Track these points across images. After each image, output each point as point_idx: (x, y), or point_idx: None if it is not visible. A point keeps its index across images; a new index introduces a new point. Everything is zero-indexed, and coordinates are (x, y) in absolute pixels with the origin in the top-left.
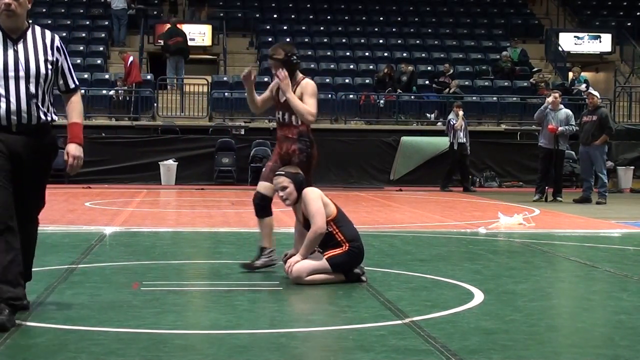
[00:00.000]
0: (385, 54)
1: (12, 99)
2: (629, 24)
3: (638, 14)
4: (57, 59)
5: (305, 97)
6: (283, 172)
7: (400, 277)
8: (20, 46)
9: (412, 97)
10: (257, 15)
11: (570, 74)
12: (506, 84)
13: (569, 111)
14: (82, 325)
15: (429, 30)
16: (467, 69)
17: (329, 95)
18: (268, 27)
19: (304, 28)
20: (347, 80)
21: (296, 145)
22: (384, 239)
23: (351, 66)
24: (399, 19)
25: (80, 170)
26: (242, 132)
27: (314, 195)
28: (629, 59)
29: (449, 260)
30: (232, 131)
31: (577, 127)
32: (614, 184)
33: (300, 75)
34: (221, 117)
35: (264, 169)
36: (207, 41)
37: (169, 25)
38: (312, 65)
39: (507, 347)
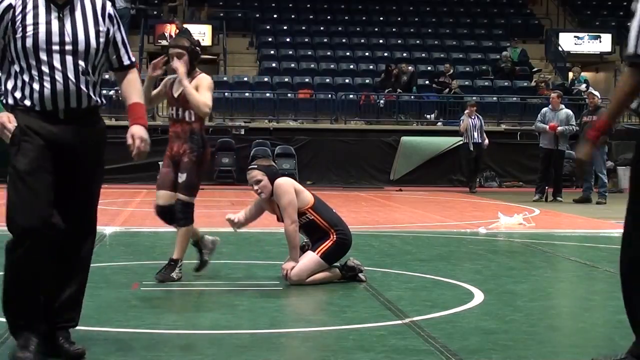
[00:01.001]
0: (385, 54)
1: (59, 77)
2: (628, 24)
3: None
4: (108, 29)
5: (201, 90)
6: (255, 166)
7: (400, 277)
8: (66, 12)
9: (412, 97)
10: (257, 15)
11: (570, 74)
12: (506, 84)
13: (569, 111)
14: (82, 325)
15: (429, 30)
16: (467, 69)
17: (329, 95)
18: (268, 27)
19: (304, 28)
20: (347, 80)
21: (187, 145)
22: (384, 239)
23: (351, 66)
24: (399, 19)
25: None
26: (242, 132)
27: (285, 188)
28: None
29: (449, 260)
30: (232, 131)
31: (577, 127)
32: (614, 184)
33: (197, 70)
34: (221, 117)
35: (158, 177)
36: (207, 41)
37: (175, 28)
38: (312, 65)
39: (507, 347)
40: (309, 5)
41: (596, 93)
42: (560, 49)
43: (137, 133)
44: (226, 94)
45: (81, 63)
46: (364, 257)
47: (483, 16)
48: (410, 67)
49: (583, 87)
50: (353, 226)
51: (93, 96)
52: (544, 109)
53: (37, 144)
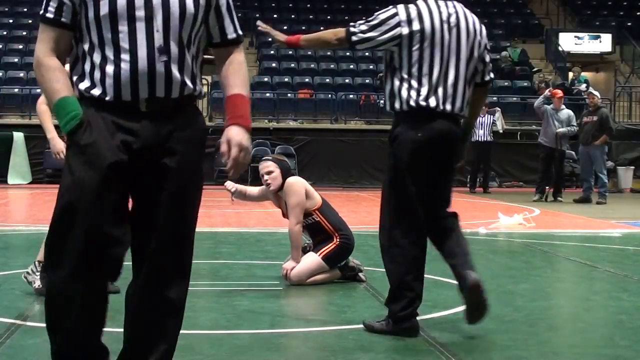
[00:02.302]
0: None
1: (142, 54)
2: (629, 24)
3: (638, 14)
4: None
5: None
6: (270, 158)
7: None
8: None
9: None
10: (257, 15)
11: (570, 74)
12: (506, 84)
13: (570, 112)
14: None
15: None
16: None
17: (329, 95)
18: None
19: (304, 28)
20: (347, 80)
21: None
22: None
23: (351, 66)
24: None
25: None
26: None
27: (296, 188)
28: (629, 59)
29: None
30: None
31: (577, 127)
32: (614, 184)
33: None
34: (221, 117)
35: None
36: None
37: None
38: (312, 65)
39: (507, 347)
40: (309, 5)
41: (596, 93)
42: (560, 48)
43: (236, 138)
44: None
45: (172, 35)
46: (364, 257)
47: (483, 16)
48: None
49: (583, 87)
50: (353, 226)
51: (188, 82)
52: (546, 106)
53: (103, 155)
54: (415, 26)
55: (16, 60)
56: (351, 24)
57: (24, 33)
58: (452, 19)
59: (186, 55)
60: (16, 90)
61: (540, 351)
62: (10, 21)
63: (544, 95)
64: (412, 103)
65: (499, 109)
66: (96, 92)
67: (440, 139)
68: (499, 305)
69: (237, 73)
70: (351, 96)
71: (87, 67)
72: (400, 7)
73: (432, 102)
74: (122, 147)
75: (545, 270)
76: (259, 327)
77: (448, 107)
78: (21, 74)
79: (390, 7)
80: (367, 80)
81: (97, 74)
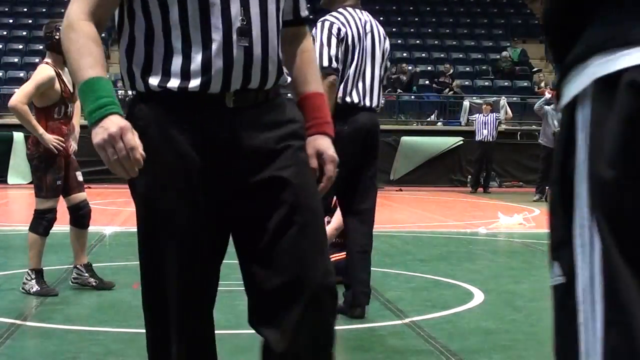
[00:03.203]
0: None
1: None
2: None
3: None
4: None
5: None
6: None
7: (400, 277)
8: None
9: (412, 97)
10: None
11: None
12: (506, 84)
13: None
14: (82, 325)
15: (429, 30)
16: (467, 69)
17: None
18: None
19: None
20: None
21: (71, 142)
22: (384, 239)
23: None
24: (399, 19)
25: None
26: None
27: None
28: None
29: (449, 260)
30: None
31: None
32: None
33: (44, 60)
34: None
35: (60, 181)
36: None
37: None
38: None
39: (507, 347)
40: (309, 5)
41: None
42: None
43: (329, 152)
44: None
45: (270, 6)
46: None
47: (483, 16)
48: (409, 67)
49: None
50: None
51: (283, 68)
52: (546, 107)
53: (189, 184)
54: (346, 29)
55: (16, 60)
56: (320, 63)
57: (24, 33)
58: (368, 26)
59: (279, 34)
60: (16, 90)
61: (540, 351)
62: (10, 21)
63: (544, 98)
64: (337, 100)
65: (503, 97)
66: (173, 83)
67: (364, 131)
68: (499, 305)
69: (312, 63)
70: None
71: (160, 53)
72: (329, 17)
73: (355, 97)
74: (207, 166)
75: (545, 270)
76: None
77: (367, 102)
78: (21, 74)
79: (324, 20)
80: None
81: (176, 61)
